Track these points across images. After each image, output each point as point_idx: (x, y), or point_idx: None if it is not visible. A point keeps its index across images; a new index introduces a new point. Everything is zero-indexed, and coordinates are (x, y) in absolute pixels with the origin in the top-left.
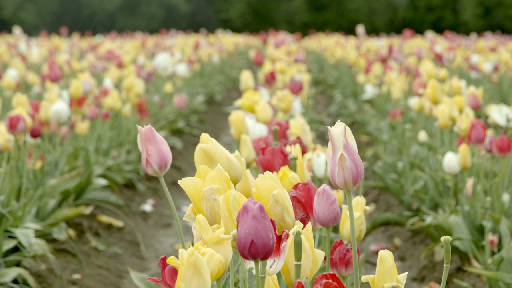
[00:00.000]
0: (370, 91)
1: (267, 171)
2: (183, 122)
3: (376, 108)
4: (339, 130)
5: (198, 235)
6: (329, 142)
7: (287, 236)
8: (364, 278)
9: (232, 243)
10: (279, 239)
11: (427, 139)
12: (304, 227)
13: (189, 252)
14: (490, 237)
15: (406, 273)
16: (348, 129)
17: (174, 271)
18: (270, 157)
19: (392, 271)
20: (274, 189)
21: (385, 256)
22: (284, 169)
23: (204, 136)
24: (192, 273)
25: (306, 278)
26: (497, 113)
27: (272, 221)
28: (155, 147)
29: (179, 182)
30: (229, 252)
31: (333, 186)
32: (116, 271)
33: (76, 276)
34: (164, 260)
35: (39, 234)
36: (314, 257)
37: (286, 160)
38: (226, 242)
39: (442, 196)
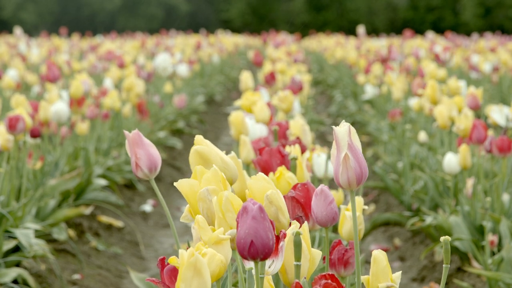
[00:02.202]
0: (370, 91)
1: (259, 173)
2: (183, 122)
3: (376, 108)
4: (343, 130)
5: (197, 236)
6: (334, 142)
7: (285, 236)
8: None
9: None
10: (277, 239)
11: (427, 139)
12: (300, 227)
13: (189, 253)
14: (490, 237)
15: (400, 272)
16: (353, 129)
17: (173, 272)
18: (267, 158)
19: (386, 271)
20: (267, 190)
21: (379, 256)
22: (281, 169)
23: (198, 138)
24: (192, 273)
25: (305, 278)
26: (497, 114)
27: (271, 222)
28: (143, 150)
29: (175, 184)
30: (229, 252)
31: (334, 186)
32: (116, 271)
33: (76, 276)
34: (163, 260)
35: (39, 234)
36: (312, 257)
37: (284, 161)
38: (225, 242)
39: (442, 196)
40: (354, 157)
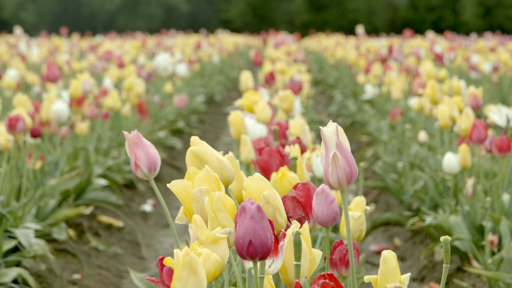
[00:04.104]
0: (370, 91)
1: (256, 173)
2: (183, 122)
3: (376, 108)
4: (331, 130)
5: (194, 235)
6: (322, 142)
7: (284, 235)
8: (367, 278)
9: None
10: (277, 239)
11: (427, 139)
12: (300, 226)
13: (184, 252)
14: (490, 237)
15: (409, 274)
16: (340, 129)
17: (172, 271)
18: (267, 158)
19: (395, 272)
20: (264, 190)
21: (388, 257)
22: (283, 169)
23: (194, 139)
24: (188, 273)
25: (305, 278)
26: (496, 114)
27: (270, 221)
28: (143, 151)
29: (168, 185)
30: (226, 251)
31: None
32: (116, 271)
33: (76, 276)
34: (162, 260)
35: (39, 234)
36: (312, 257)
37: (284, 161)
38: (222, 241)
39: (442, 196)
40: (343, 156)
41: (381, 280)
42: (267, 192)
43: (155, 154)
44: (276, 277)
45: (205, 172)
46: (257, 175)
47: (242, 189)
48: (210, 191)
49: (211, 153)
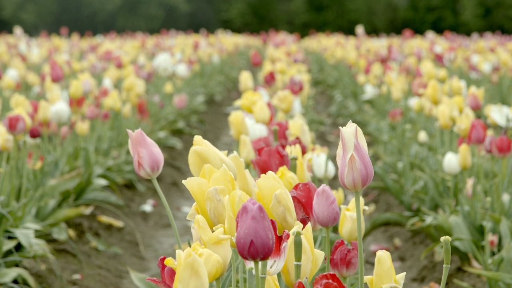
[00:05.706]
0: (370, 91)
1: (269, 172)
2: (183, 122)
3: (376, 108)
4: (350, 131)
5: (197, 235)
6: (340, 142)
7: (288, 236)
8: None
9: (232, 243)
10: (280, 239)
11: (427, 139)
12: (304, 227)
13: (186, 253)
14: (490, 237)
15: (404, 273)
16: (359, 130)
17: (174, 271)
18: (266, 158)
19: (390, 272)
20: (276, 189)
21: (383, 257)
22: (283, 169)
23: (197, 138)
24: (189, 273)
25: (306, 278)
26: (497, 114)
27: (272, 221)
28: (146, 149)
29: (183, 181)
30: (228, 252)
31: (334, 186)
32: (116, 271)
33: (76, 276)
34: (163, 260)
35: (39, 234)
36: (314, 258)
37: (283, 161)
38: (225, 242)
39: (442, 196)
40: (360, 158)
41: (377, 281)
42: (278, 192)
43: (158, 153)
44: (278, 277)
45: (222, 172)
46: (271, 174)
47: (246, 188)
48: (226, 191)
49: (214, 153)
